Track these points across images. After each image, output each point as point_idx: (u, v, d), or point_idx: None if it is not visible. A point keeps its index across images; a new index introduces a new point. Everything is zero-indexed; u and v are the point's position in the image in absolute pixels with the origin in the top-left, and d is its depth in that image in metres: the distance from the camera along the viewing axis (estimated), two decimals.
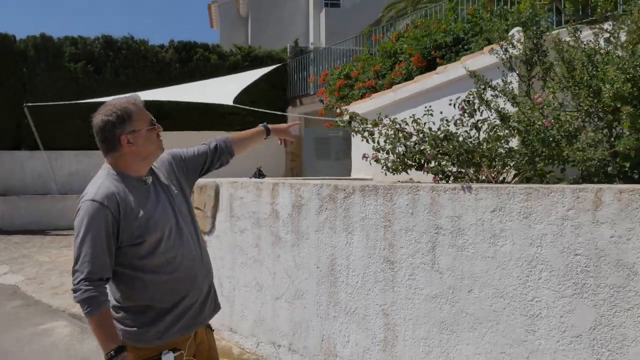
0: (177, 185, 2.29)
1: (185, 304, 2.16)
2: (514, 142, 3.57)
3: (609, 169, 3.19)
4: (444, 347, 3.32)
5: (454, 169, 3.52)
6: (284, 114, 11.87)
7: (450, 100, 3.48)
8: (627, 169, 3.14)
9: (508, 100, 3.31)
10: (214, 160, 2.48)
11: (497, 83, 3.71)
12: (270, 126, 2.71)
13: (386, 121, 3.85)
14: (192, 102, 12.16)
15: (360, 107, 6.35)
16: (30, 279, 7.62)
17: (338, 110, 4.09)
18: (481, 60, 4.38)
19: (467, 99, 3.34)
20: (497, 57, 3.71)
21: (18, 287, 7.20)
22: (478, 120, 3.31)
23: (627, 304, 2.65)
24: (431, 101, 4.98)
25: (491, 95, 3.54)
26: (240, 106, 9.95)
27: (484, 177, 3.58)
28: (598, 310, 2.74)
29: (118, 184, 2.06)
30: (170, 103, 12.94)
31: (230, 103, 9.70)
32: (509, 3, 7.70)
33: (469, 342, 3.20)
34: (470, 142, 3.44)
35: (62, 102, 12.81)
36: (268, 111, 9.83)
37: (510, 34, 4.48)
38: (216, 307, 2.37)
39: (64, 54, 14.11)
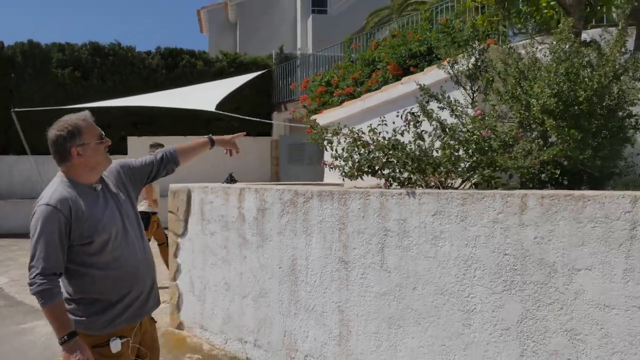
0: (125, 192, 2.55)
1: (130, 296, 2.43)
2: (460, 151, 3.82)
3: (542, 176, 3.46)
4: (392, 341, 3.57)
5: (405, 175, 3.78)
6: (266, 121, 12.11)
7: (398, 113, 3.74)
8: (557, 176, 3.41)
9: (451, 112, 3.59)
10: (160, 169, 2.75)
11: (447, 95, 3.98)
12: (215, 137, 2.97)
13: (345, 130, 4.10)
14: (178, 108, 12.39)
15: (332, 115, 6.60)
16: (15, 280, 7.82)
17: (296, 118, 4.35)
18: (437, 73, 4.65)
19: (411, 111, 3.61)
20: (444, 71, 3.98)
21: (2, 288, 7.40)
22: (422, 131, 3.58)
23: (548, 299, 2.92)
24: (396, 110, 5.25)
25: (438, 107, 3.81)
26: (222, 112, 10.18)
27: (432, 183, 3.84)
28: (524, 305, 3.01)
29: (70, 190, 2.31)
30: (157, 109, 13.16)
31: (213, 109, 9.95)
32: (480, 13, 7.97)
33: (414, 336, 3.46)
34: (420, 150, 3.69)
35: (49, 108, 13.00)
36: (249, 118, 10.06)
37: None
38: (158, 302, 2.64)
39: (51, 60, 14.29)
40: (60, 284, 2.28)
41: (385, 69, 8.84)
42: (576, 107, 3.14)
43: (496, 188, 3.77)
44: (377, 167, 3.80)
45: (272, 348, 4.30)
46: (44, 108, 13.10)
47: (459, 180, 3.94)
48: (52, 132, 2.34)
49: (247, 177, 11.29)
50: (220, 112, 10.08)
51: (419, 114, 3.58)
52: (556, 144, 3.17)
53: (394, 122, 3.93)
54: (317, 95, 10.78)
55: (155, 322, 2.73)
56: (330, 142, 4.13)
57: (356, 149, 3.92)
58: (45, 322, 5.60)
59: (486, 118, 3.58)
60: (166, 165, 2.77)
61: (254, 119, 10.09)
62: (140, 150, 14.24)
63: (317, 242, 3.95)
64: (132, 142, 14.24)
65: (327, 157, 4.69)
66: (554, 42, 3.23)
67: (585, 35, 4.66)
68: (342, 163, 3.99)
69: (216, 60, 15.82)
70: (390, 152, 3.59)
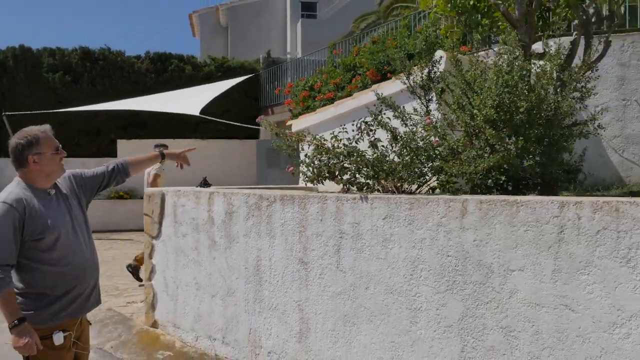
0: (76, 198, 2.79)
1: (75, 292, 2.66)
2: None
3: (489, 181, 3.66)
4: (347, 338, 3.75)
5: (362, 180, 3.97)
6: (250, 126, 12.24)
7: (353, 122, 3.94)
8: (502, 181, 3.61)
9: (402, 121, 3.79)
10: (110, 179, 3.00)
11: (402, 106, 4.18)
12: (165, 152, 3.21)
13: (309, 138, 4.28)
14: (168, 112, 12.58)
15: (308, 120, 6.80)
16: None
17: (263, 125, 4.53)
18: (399, 83, 4.85)
19: (364, 120, 3.80)
20: (401, 82, 4.18)
21: None
22: (376, 139, 3.77)
23: (486, 298, 3.11)
24: (367, 116, 5.45)
25: (393, 115, 4.00)
26: (206, 117, 10.37)
27: (390, 188, 4.02)
28: (465, 304, 3.19)
29: (26, 192, 2.55)
30: (146, 112, 13.36)
31: (197, 114, 10.14)
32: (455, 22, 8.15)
33: (367, 333, 3.64)
34: (375, 156, 3.88)
35: (39, 112, 13.21)
36: (230, 122, 10.19)
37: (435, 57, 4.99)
38: (99, 301, 2.86)
39: (42, 65, 14.51)
40: (12, 275, 2.48)
41: (364, 75, 9.05)
42: (517, 117, 3.33)
43: (454, 193, 3.96)
44: (337, 173, 3.98)
45: (238, 345, 4.48)
46: (35, 112, 13.30)
47: (416, 185, 4.13)
48: (13, 140, 2.57)
49: (233, 180, 11.48)
50: (205, 116, 10.27)
51: (372, 123, 3.77)
52: (498, 152, 3.37)
53: (353, 130, 4.11)
54: (300, 99, 10.98)
55: (90, 324, 2.96)
56: (294, 149, 4.31)
57: (317, 156, 4.10)
58: None
59: (437, 126, 3.77)
60: (117, 176, 3.00)
61: (234, 123, 10.26)
62: (130, 153, 14.41)
63: (280, 244, 4.14)
64: (122, 145, 14.42)
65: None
66: (496, 56, 3.43)
67: (552, 44, 4.88)
68: (305, 169, 4.17)
69: (204, 65, 16.04)
70: (346, 158, 3.78)
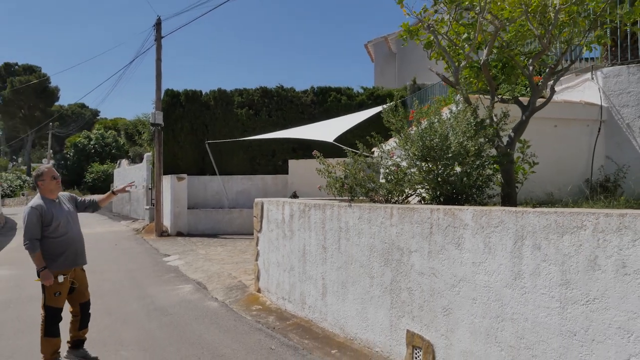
0: (72, 204, 5.21)
1: (67, 253, 4.97)
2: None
3: (434, 195, 5.43)
4: (343, 296, 5.78)
5: (360, 194, 5.97)
6: (367, 154, 14.37)
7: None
8: (437, 196, 5.36)
9: (387, 157, 5.74)
10: (86, 208, 5.41)
11: (387, 146, 6.07)
12: (115, 190, 5.57)
13: (338, 166, 6.40)
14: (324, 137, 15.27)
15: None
16: (187, 263, 11.39)
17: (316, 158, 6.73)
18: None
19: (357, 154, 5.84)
20: (393, 139, 6.08)
21: (177, 267, 10.97)
22: (362, 166, 5.77)
23: (401, 269, 4.93)
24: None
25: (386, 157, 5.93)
26: (338, 145, 12.79)
27: (382, 199, 5.95)
28: (392, 274, 5.04)
29: (41, 200, 4.94)
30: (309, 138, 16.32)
31: (331, 141, 12.58)
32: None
33: (352, 293, 5.64)
34: (364, 179, 5.86)
35: (230, 140, 17.10)
36: (354, 151, 12.38)
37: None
38: (84, 261, 5.21)
39: (233, 102, 18.46)
40: (38, 244, 4.87)
41: None
42: (432, 153, 5.10)
43: (431, 203, 5.72)
44: (339, 188, 6.03)
45: (295, 302, 6.75)
46: (228, 140, 17.24)
47: (402, 197, 5.96)
48: (33, 173, 5.07)
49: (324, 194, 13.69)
50: (337, 143, 12.68)
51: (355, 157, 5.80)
52: (420, 176, 5.16)
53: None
54: None
55: (83, 270, 5.28)
56: (329, 172, 6.45)
57: (336, 177, 6.20)
58: (190, 286, 8.94)
59: (396, 160, 5.65)
60: (88, 207, 5.42)
61: (357, 151, 12.43)
62: (298, 170, 17.59)
63: (314, 236, 6.33)
64: (292, 164, 17.59)
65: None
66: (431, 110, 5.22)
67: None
68: (329, 188, 6.29)
69: (357, 95, 18.55)
70: (345, 180, 5.85)
